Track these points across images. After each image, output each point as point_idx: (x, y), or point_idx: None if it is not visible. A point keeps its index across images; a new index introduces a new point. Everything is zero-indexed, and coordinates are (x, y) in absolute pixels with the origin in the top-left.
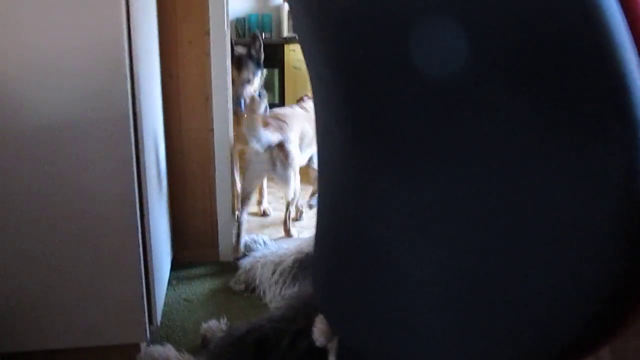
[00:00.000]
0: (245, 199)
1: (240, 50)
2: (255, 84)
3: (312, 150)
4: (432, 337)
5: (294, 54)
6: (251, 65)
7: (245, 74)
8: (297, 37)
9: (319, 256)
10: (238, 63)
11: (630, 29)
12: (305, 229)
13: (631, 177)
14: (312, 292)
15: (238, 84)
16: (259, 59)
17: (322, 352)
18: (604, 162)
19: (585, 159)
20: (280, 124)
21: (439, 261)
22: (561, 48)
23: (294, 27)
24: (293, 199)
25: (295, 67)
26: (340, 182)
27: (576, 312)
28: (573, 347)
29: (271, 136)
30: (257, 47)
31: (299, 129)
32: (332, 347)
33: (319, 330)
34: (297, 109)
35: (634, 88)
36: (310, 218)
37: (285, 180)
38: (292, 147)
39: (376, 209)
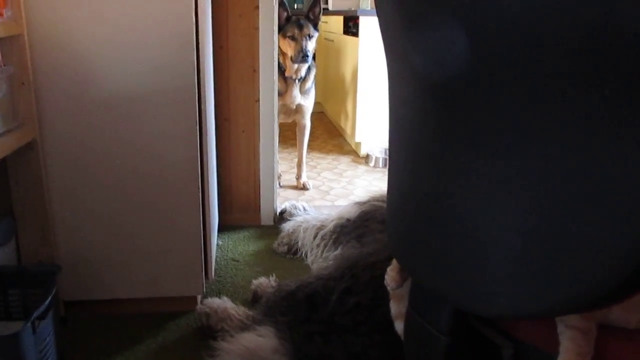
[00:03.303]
0: None
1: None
2: (314, 43)
3: None
4: (501, 280)
5: (326, 26)
6: (310, 25)
7: (306, 30)
8: (379, 23)
9: (394, 214)
10: (298, 23)
11: None
12: (341, 197)
13: None
14: (356, 255)
15: (300, 40)
16: (317, 22)
17: (368, 307)
18: None
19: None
20: None
21: (512, 220)
22: (627, 53)
23: (377, 9)
24: None
25: (327, 39)
26: (420, 153)
27: (623, 259)
28: (620, 290)
29: None
30: (316, 12)
31: None
32: (395, 293)
33: (390, 277)
34: None
35: None
36: (316, 187)
37: None
38: None
39: (456, 177)
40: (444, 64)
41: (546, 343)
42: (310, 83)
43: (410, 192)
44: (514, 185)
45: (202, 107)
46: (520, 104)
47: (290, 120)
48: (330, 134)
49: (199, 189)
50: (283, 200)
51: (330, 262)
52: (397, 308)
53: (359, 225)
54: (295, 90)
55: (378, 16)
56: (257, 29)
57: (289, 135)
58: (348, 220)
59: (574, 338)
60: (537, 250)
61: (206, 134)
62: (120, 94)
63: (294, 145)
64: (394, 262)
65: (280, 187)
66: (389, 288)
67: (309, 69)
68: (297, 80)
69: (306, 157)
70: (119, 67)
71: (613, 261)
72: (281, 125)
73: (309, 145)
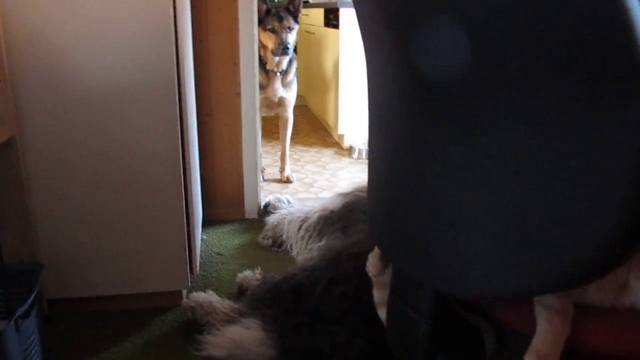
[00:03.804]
0: None
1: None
2: (294, 35)
3: None
4: (478, 262)
5: (307, 19)
6: (290, 17)
7: (286, 23)
8: (357, 17)
9: (375, 201)
10: (278, 15)
11: None
12: (325, 190)
13: None
14: (340, 245)
15: (280, 33)
16: (297, 15)
17: (353, 297)
18: (626, 123)
19: (612, 122)
20: None
21: (488, 203)
22: (598, 43)
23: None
24: None
25: (308, 32)
26: (398, 140)
27: (597, 239)
28: (595, 270)
29: None
30: (296, 4)
31: None
32: (378, 281)
33: (372, 263)
34: None
35: None
36: (300, 180)
37: None
38: None
39: (432, 163)
40: (435, 57)
41: (525, 325)
42: (292, 76)
43: (389, 179)
44: (488, 169)
45: (183, 101)
46: (496, 90)
47: (273, 114)
48: (314, 127)
49: (181, 183)
50: (267, 193)
51: (315, 254)
52: (379, 295)
53: (343, 216)
54: (277, 83)
55: (355, 8)
56: (236, 21)
57: (272, 128)
58: (332, 211)
59: (550, 318)
60: (513, 232)
61: (187, 129)
62: (100, 89)
63: (277, 138)
64: (375, 248)
65: (264, 180)
66: (370, 275)
67: (290, 61)
68: (278, 73)
69: (289, 150)
70: (98, 62)
71: (588, 241)
72: (264, 119)
73: (292, 138)
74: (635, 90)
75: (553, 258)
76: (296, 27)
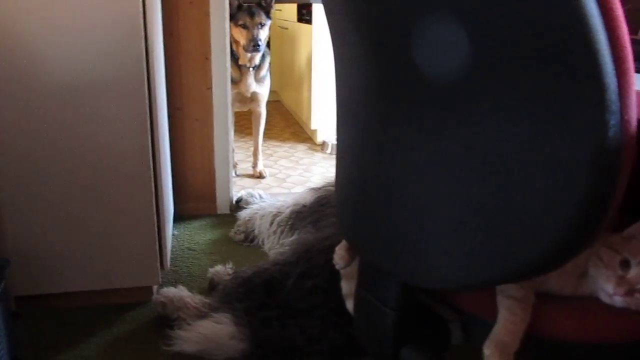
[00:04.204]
0: None
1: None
2: (266, 31)
3: None
4: (442, 252)
5: (280, 14)
6: (262, 13)
7: (257, 19)
8: (325, 12)
9: (343, 195)
10: (249, 11)
11: (605, 26)
12: (298, 185)
13: (598, 127)
14: (311, 239)
15: (252, 29)
16: (269, 10)
17: (324, 290)
18: (581, 117)
19: (569, 116)
20: None
21: (452, 195)
22: (558, 41)
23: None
24: None
25: (281, 27)
26: (364, 132)
27: (556, 229)
28: (553, 255)
29: None
30: (268, 0)
31: None
32: (346, 273)
33: (339, 255)
34: None
35: (603, 65)
36: (273, 175)
37: None
38: None
39: (397, 155)
40: (401, 52)
41: (490, 314)
42: (265, 71)
43: (356, 173)
44: (453, 162)
45: (152, 95)
46: (461, 85)
47: (246, 109)
48: (287, 122)
49: (151, 178)
50: (240, 189)
51: (287, 248)
52: (347, 287)
53: (315, 211)
54: (250, 79)
55: (323, 3)
56: (208, 16)
57: (245, 124)
58: (304, 206)
59: (510, 307)
60: (475, 223)
61: (157, 123)
62: (67, 82)
63: (250, 134)
64: (343, 240)
65: (237, 176)
66: (337, 267)
67: (263, 56)
68: (251, 69)
69: (262, 146)
70: (65, 54)
71: (548, 231)
72: (237, 114)
73: (265, 133)
74: (591, 88)
75: (514, 248)
76: (268, 22)
